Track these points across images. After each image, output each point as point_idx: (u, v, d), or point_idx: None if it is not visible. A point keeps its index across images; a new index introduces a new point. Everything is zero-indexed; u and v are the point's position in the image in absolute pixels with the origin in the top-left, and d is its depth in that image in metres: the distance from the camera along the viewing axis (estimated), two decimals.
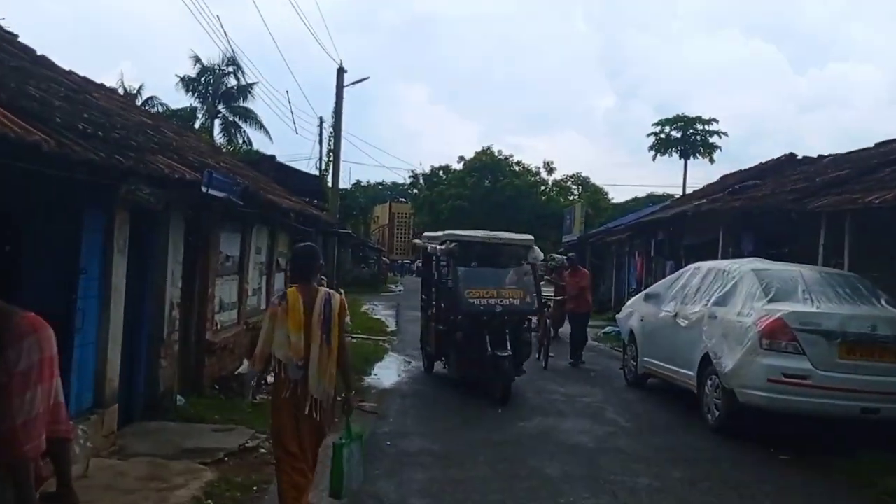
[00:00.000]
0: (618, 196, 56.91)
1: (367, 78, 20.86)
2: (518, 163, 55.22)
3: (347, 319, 5.57)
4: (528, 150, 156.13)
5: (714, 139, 29.99)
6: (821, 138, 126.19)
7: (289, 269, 8.19)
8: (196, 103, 37.73)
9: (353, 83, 20.02)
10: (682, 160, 30.66)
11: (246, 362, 9.99)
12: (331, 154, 20.67)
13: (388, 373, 12.81)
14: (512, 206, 50.48)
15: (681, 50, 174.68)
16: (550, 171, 53.49)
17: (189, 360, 8.88)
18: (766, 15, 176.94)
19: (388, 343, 16.43)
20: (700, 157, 30.65)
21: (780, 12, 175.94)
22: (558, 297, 16.33)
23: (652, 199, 52.81)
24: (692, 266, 11.30)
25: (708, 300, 9.43)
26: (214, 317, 9.69)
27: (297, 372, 4.69)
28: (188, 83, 38.01)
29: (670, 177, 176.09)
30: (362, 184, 57.69)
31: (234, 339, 10.57)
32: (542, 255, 12.58)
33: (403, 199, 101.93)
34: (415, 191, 69.40)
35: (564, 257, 18.72)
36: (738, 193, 16.29)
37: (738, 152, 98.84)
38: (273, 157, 18.28)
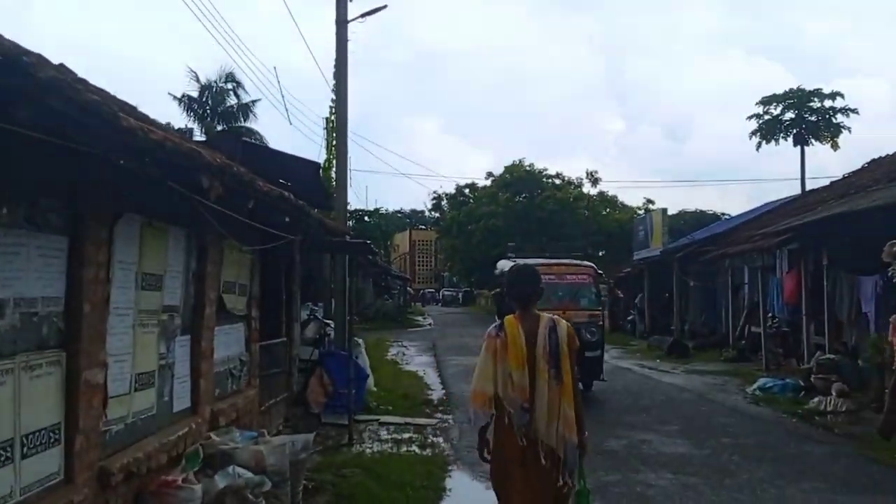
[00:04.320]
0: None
1: (385, 6, 13.92)
2: (558, 174, 48.35)
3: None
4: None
5: (839, 119, 22.96)
6: None
7: (505, 294, 5.31)
8: (192, 124, 32.01)
9: (364, 15, 13.18)
10: (798, 147, 23.51)
11: None
12: (333, 135, 13.95)
13: None
14: (554, 223, 43.48)
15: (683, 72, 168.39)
16: (595, 181, 46.45)
17: None
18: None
19: (442, 438, 9.35)
20: (819, 144, 23.51)
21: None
22: None
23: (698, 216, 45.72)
24: None
25: None
26: None
27: (524, 416, 4.04)
28: (188, 103, 32.45)
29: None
30: (381, 210, 50.94)
31: None
32: None
33: (424, 227, 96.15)
34: (436, 215, 62.58)
35: None
36: None
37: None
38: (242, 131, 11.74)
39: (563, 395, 4.03)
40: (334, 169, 13.56)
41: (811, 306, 15.37)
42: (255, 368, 7.99)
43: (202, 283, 6.25)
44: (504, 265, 12.51)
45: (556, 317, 4.27)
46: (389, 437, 9.28)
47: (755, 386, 14.37)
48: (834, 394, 12.44)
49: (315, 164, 12.22)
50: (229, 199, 5.39)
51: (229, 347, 7.17)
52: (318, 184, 13.06)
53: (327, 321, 12.15)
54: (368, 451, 8.43)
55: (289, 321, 10.40)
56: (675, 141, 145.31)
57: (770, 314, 17.57)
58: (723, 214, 47.09)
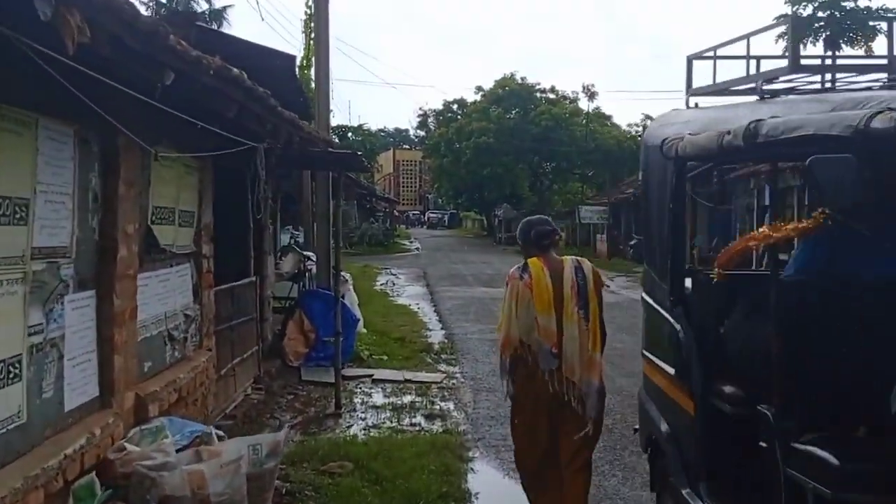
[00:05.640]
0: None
1: None
2: (552, 88, 45.57)
3: None
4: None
5: (874, 22, 20.63)
6: None
7: (521, 244, 4.23)
8: None
9: None
10: (830, 51, 21.22)
11: None
12: (311, 27, 11.47)
13: None
14: (549, 140, 41.09)
15: None
16: (591, 96, 43.62)
17: None
18: None
19: (452, 403, 7.38)
20: (852, 48, 21.27)
21: None
22: None
23: None
24: None
25: None
26: None
27: (552, 361, 3.82)
28: (156, 8, 29.54)
29: None
30: (365, 126, 47.78)
31: None
32: None
33: (408, 147, 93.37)
34: (422, 133, 59.83)
35: None
36: None
37: None
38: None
39: (592, 339, 3.88)
40: (314, 69, 11.17)
41: None
42: (210, 323, 5.96)
43: (112, 210, 4.13)
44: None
45: (579, 258, 4.12)
46: (386, 401, 7.35)
47: None
48: None
49: (290, 58, 9.87)
50: (133, 69, 3.23)
51: (166, 301, 5.11)
52: (295, 85, 10.72)
53: (308, 253, 10.06)
54: (361, 427, 6.51)
55: (259, 255, 8.33)
56: (672, 56, 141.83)
57: None
58: None
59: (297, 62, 13.38)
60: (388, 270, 23.66)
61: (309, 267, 9.77)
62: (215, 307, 6.15)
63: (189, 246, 5.66)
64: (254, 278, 7.71)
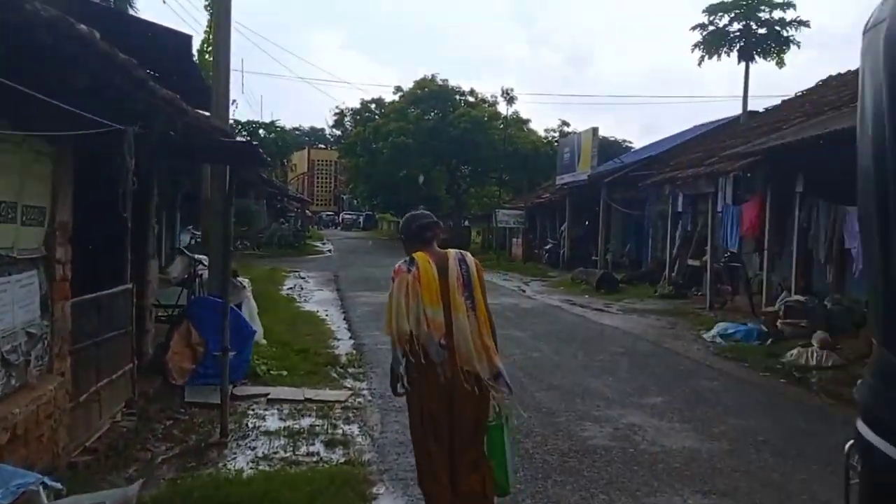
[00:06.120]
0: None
1: None
2: (471, 91, 45.18)
3: None
4: None
5: (788, 32, 20.73)
6: None
7: (405, 238, 4.30)
8: None
9: None
10: (743, 64, 21.32)
11: None
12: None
13: None
14: (470, 143, 40.70)
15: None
16: (511, 100, 43.40)
17: None
18: None
19: (356, 426, 6.56)
20: (765, 60, 21.35)
21: None
22: None
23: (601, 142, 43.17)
24: None
25: None
26: None
27: (441, 353, 3.87)
28: None
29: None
30: (278, 123, 45.91)
31: None
32: None
33: (324, 146, 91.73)
34: (338, 132, 58.46)
35: None
36: None
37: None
38: None
39: (481, 326, 3.94)
40: (213, 49, 10.15)
41: (776, 240, 13.49)
42: (64, 342, 5.00)
43: None
44: None
45: (461, 251, 4.16)
46: (282, 425, 6.52)
47: (714, 332, 12.42)
48: (815, 345, 10.60)
49: (185, 38, 8.88)
50: None
51: (0, 318, 4.16)
52: (192, 68, 9.71)
53: (199, 257, 9.08)
54: (249, 458, 5.66)
55: (139, 259, 7.36)
56: (586, 65, 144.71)
57: (725, 248, 15.65)
58: (623, 141, 45.63)
59: (199, 46, 12.31)
60: (297, 274, 22.60)
61: (200, 272, 8.80)
62: (73, 322, 5.18)
63: (37, 249, 4.70)
64: (130, 285, 6.73)
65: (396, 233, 58.00)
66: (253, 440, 6.14)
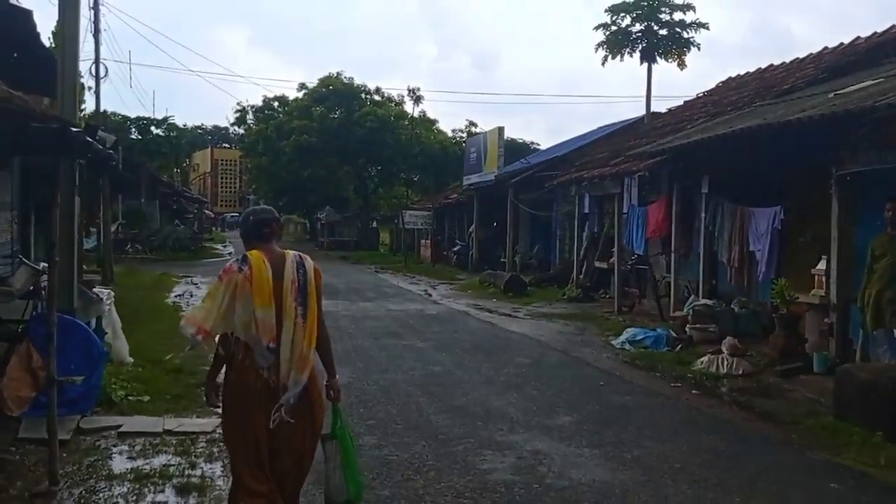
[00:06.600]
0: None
1: None
2: (377, 90, 44.27)
3: None
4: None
5: (689, 34, 20.89)
6: None
7: (243, 234, 4.02)
8: None
9: None
10: (646, 64, 21.30)
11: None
12: None
13: None
14: (375, 142, 39.78)
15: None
16: (417, 99, 42.73)
17: None
18: None
19: (220, 465, 5.52)
20: (666, 61, 21.45)
21: None
22: None
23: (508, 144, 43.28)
24: None
25: None
26: None
27: (268, 358, 3.64)
28: None
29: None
30: (171, 119, 43.26)
31: None
32: None
33: (228, 146, 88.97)
34: (241, 130, 56.32)
35: None
36: None
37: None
38: None
39: (307, 337, 3.73)
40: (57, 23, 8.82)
41: (682, 243, 13.23)
42: None
43: None
44: None
45: (301, 253, 3.92)
46: (130, 466, 5.48)
47: (623, 338, 12.00)
48: (725, 351, 10.28)
49: (23, 13, 7.64)
50: None
51: None
52: (34, 47, 8.40)
53: (45, 265, 7.82)
54: None
55: None
56: (494, 67, 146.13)
57: (631, 250, 15.35)
58: (531, 143, 45.82)
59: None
60: (189, 279, 21.15)
61: (44, 283, 7.56)
62: None
63: None
64: None
65: (303, 234, 56.50)
66: (90, 488, 5.08)
